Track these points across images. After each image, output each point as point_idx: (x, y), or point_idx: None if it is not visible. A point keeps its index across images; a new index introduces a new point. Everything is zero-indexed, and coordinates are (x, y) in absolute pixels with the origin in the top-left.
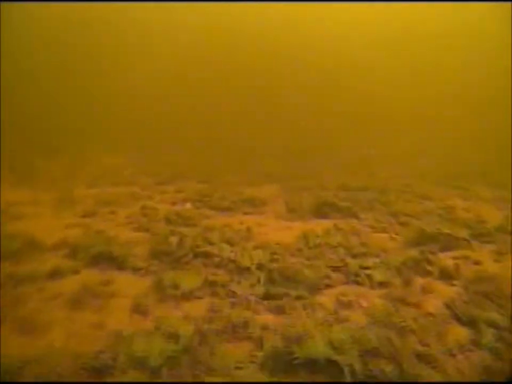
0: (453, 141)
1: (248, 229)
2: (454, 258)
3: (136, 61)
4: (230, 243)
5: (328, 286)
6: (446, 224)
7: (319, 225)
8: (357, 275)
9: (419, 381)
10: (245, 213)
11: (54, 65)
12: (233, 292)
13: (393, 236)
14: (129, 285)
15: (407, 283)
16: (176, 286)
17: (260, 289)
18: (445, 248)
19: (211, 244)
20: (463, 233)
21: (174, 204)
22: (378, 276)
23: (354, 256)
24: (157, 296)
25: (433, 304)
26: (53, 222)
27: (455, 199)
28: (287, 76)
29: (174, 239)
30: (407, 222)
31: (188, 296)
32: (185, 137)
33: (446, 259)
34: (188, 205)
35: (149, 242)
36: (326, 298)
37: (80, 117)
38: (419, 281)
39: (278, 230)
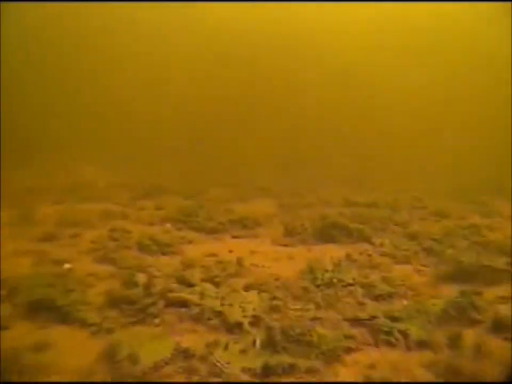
0: (458, 150)
1: (239, 261)
2: (503, 299)
3: (129, 64)
4: (215, 282)
5: (349, 350)
6: (478, 250)
7: (326, 253)
8: (387, 331)
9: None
10: (235, 237)
11: (46, 66)
12: (218, 367)
13: (420, 267)
14: (71, 352)
15: (455, 342)
16: (135, 358)
17: (256, 359)
18: (486, 284)
19: (190, 284)
20: (501, 262)
21: (151, 224)
22: (415, 331)
23: (376, 298)
24: (107, 373)
25: (496, 376)
26: (1, 248)
27: (474, 216)
28: (283, 84)
29: (142, 278)
30: (431, 247)
31: (150, 376)
32: (171, 146)
33: (495, 302)
34: (168, 226)
35: (110, 281)
36: (350, 373)
37: (62, 123)
38: (469, 336)
39: (276, 261)
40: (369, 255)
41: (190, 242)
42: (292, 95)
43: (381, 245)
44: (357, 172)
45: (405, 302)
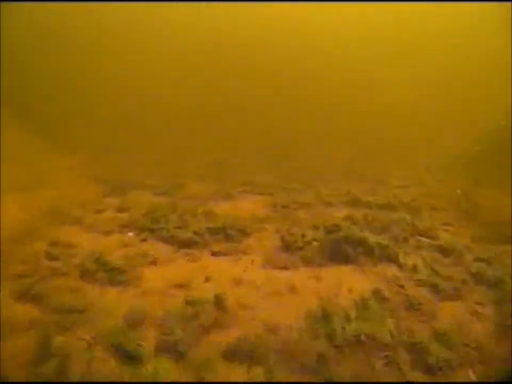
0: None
1: (219, 300)
2: None
3: (126, 60)
4: (178, 353)
5: None
6: None
7: (341, 283)
8: None
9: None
10: (215, 253)
11: (44, 63)
12: None
13: (475, 306)
14: None
15: None
16: None
17: None
18: None
19: (135, 358)
20: None
21: (108, 233)
22: None
23: (431, 371)
24: None
25: None
26: None
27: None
28: (279, 77)
29: (61, 346)
30: (481, 272)
31: None
32: (157, 135)
33: None
34: (130, 235)
35: (22, 341)
36: None
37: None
38: None
39: (271, 296)
40: (402, 286)
41: (153, 262)
42: (289, 86)
43: (414, 268)
44: (357, 163)
45: (473, 376)
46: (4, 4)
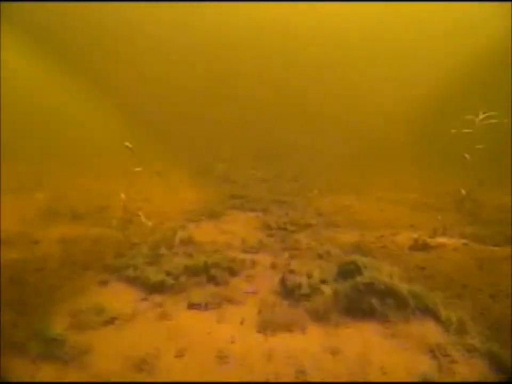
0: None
1: None
2: None
3: (126, 60)
4: None
5: None
6: None
7: (369, 359)
8: None
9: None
10: (193, 306)
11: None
12: None
13: None
14: None
15: None
16: None
17: None
18: None
19: None
20: None
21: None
22: None
23: None
24: None
25: None
26: None
27: None
28: (277, 74)
29: None
30: None
31: None
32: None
33: None
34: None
35: None
36: None
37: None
38: None
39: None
40: (454, 361)
41: (110, 322)
42: (288, 86)
43: (460, 326)
44: (357, 164)
45: None
46: (4, 4)
